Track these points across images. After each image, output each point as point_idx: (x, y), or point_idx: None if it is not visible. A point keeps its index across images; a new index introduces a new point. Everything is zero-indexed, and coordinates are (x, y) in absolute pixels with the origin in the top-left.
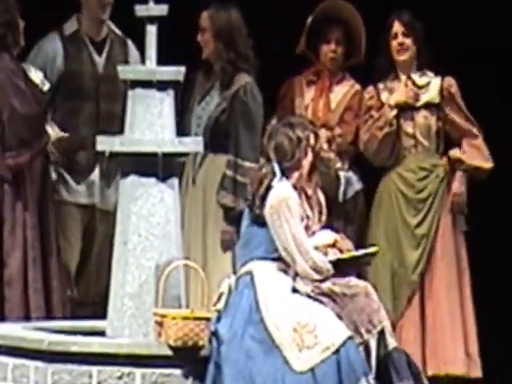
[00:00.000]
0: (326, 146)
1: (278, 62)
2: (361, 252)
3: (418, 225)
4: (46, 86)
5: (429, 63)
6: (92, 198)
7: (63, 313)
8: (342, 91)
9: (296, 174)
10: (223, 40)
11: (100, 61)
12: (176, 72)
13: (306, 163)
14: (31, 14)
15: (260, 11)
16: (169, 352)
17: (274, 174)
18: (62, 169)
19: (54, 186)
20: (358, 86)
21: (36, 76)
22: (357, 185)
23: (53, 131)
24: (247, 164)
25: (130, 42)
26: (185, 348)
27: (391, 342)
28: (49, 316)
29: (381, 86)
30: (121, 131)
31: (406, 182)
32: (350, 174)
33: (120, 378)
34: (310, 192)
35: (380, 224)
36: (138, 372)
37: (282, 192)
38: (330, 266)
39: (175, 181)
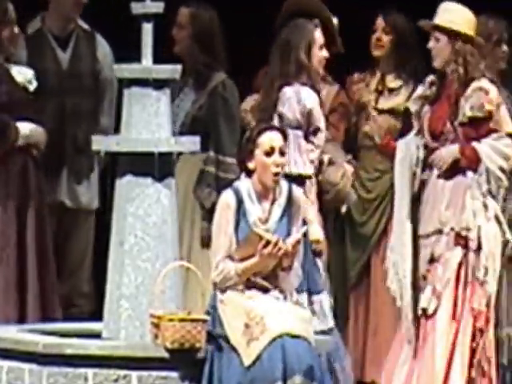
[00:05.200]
0: None
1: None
2: None
3: (363, 224)
4: (33, 86)
5: (407, 66)
6: (57, 196)
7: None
8: (323, 92)
9: (252, 178)
10: (201, 42)
11: (64, 57)
12: (172, 70)
13: (257, 166)
14: None
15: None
16: (165, 354)
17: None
18: None
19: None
20: (337, 86)
21: (20, 75)
22: None
23: (23, 128)
24: (229, 160)
25: (98, 36)
26: (181, 350)
27: None
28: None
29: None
30: (89, 127)
31: (359, 180)
32: None
33: (116, 380)
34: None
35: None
36: (134, 374)
37: (220, 197)
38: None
39: (172, 181)
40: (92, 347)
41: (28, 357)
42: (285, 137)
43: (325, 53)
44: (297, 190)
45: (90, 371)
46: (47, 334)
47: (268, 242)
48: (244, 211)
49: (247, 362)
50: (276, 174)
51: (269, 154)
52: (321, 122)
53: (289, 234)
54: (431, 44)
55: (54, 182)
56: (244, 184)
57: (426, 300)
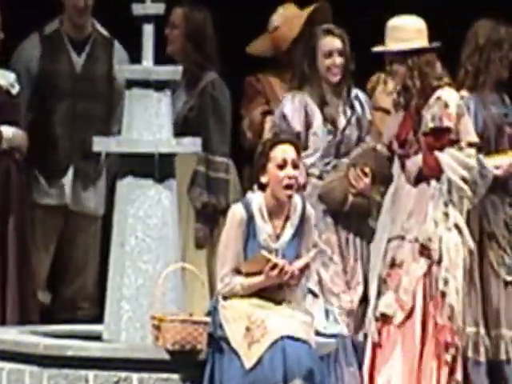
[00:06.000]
0: None
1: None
2: None
3: None
4: (15, 89)
5: None
6: (63, 199)
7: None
8: None
9: (266, 193)
10: (194, 41)
11: (79, 60)
12: (173, 71)
13: (270, 179)
14: (16, 17)
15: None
16: (166, 356)
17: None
18: (35, 170)
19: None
20: None
21: (2, 79)
22: None
23: (6, 132)
24: (218, 159)
25: (116, 43)
26: (182, 352)
27: None
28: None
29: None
30: (100, 132)
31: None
32: None
33: (117, 382)
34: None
35: None
36: (135, 376)
37: (230, 210)
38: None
39: (173, 182)
40: (93, 349)
41: (28, 359)
42: (297, 149)
43: (337, 59)
44: (310, 209)
45: (90, 373)
46: (48, 335)
47: (275, 265)
48: (254, 228)
49: (248, 364)
50: (289, 187)
51: (281, 166)
52: (311, 127)
53: (298, 253)
54: (387, 68)
55: (60, 184)
56: (256, 198)
57: (385, 305)
